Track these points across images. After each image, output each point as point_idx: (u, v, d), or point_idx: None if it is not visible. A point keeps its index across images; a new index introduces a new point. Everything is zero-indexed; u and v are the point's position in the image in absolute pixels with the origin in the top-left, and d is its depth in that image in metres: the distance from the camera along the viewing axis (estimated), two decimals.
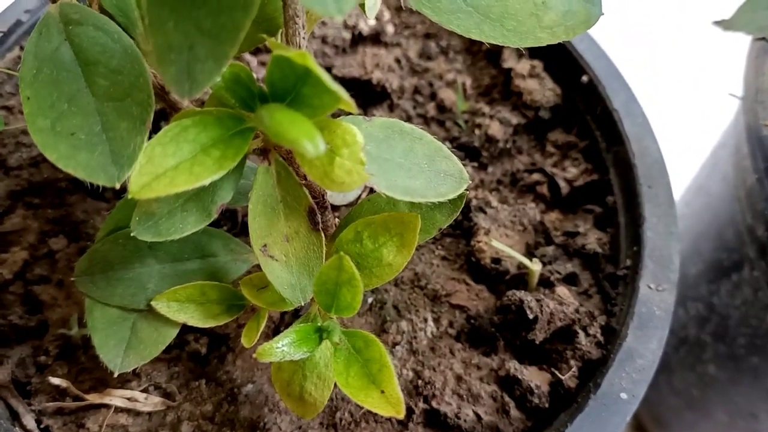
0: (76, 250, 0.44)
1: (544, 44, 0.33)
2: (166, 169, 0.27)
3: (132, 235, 0.30)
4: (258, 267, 0.38)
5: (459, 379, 0.41)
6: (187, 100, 0.35)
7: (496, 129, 0.51)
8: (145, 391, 0.39)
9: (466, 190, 0.33)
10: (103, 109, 0.29)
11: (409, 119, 0.52)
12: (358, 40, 0.56)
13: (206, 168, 0.28)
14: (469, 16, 0.32)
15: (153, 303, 0.34)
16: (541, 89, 0.53)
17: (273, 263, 0.33)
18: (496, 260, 0.45)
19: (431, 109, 0.53)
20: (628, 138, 0.48)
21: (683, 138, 0.69)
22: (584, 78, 0.51)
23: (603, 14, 0.35)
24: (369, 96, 0.53)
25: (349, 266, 0.30)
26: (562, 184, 0.49)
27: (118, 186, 0.27)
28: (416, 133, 0.34)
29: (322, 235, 0.33)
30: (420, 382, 0.40)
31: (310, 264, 0.33)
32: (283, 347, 0.29)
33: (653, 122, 0.49)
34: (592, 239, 0.46)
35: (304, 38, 0.32)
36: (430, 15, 0.32)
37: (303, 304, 0.32)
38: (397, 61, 0.56)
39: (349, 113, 0.30)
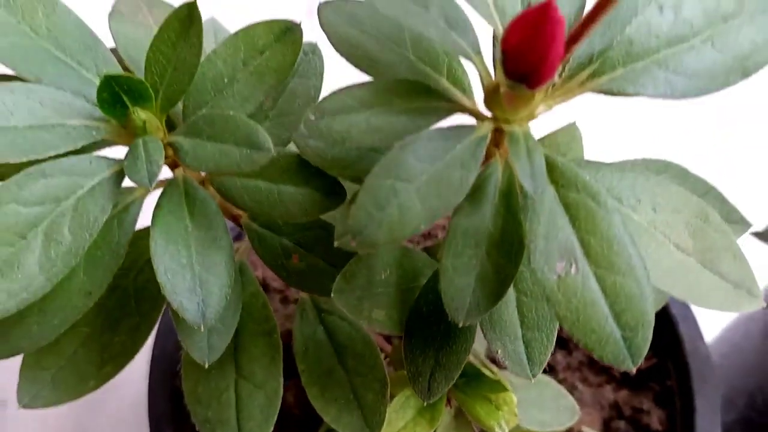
0: None
1: None
2: (399, 429, 0.43)
3: None
4: None
5: None
6: None
7: None
8: None
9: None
10: (353, 381, 0.44)
11: None
12: None
13: (423, 427, 0.43)
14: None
15: None
16: None
17: None
18: None
19: None
20: (682, 339, 0.62)
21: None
22: None
23: None
24: None
25: None
26: None
27: None
28: (545, 381, 0.49)
29: None
30: None
31: None
32: None
33: None
34: (655, 418, 0.61)
35: None
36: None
37: None
38: None
39: None
